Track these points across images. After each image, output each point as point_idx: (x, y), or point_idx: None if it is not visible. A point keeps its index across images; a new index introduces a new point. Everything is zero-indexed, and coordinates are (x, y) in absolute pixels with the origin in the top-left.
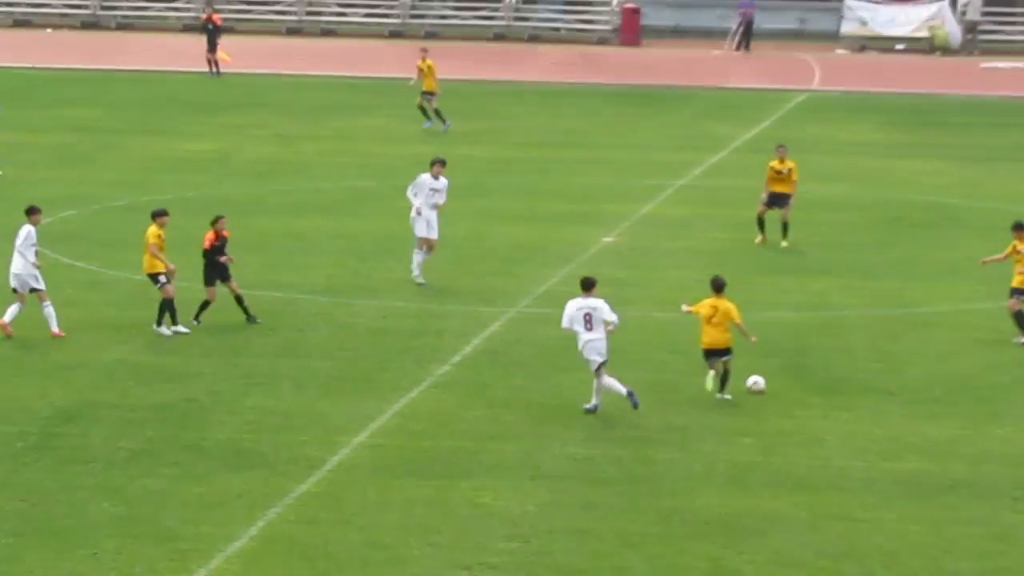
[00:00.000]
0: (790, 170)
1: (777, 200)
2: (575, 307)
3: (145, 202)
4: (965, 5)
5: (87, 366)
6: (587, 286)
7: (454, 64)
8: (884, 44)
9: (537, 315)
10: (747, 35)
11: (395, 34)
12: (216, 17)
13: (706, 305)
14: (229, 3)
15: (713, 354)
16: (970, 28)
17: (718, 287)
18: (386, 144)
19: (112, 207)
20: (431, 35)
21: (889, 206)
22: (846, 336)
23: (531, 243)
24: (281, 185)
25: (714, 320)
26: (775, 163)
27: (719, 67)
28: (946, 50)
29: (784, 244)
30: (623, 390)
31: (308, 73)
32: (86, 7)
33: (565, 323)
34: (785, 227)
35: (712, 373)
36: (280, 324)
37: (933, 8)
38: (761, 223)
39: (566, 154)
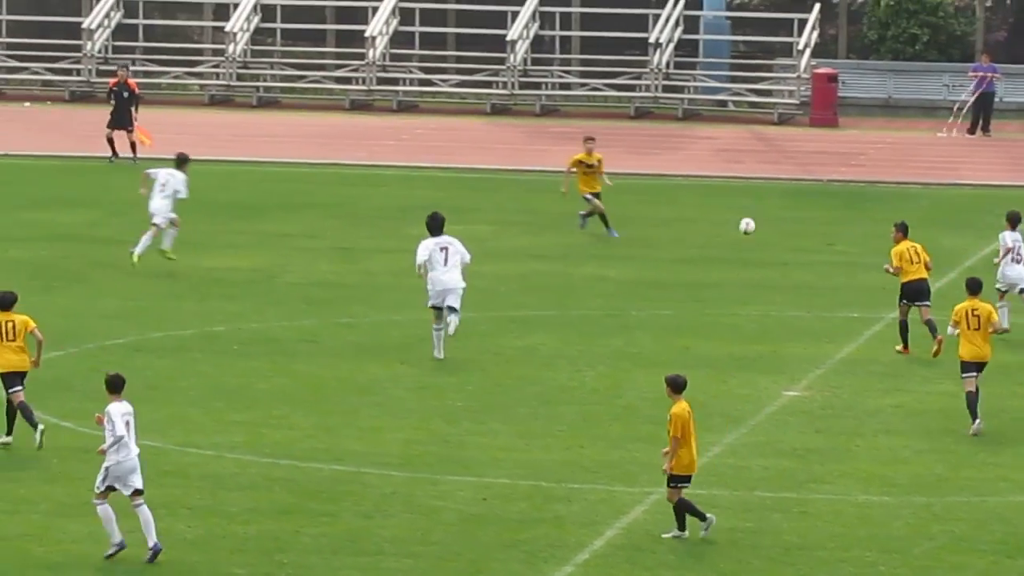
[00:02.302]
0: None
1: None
2: None
3: (157, 339)
4: None
5: (74, 568)
6: None
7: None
8: None
9: (697, 498)
10: (986, 111)
11: (499, 110)
12: (132, 82)
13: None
14: (271, 68)
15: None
16: None
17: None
18: (486, 260)
19: (111, 346)
20: (549, 111)
21: None
22: None
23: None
24: (342, 316)
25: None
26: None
27: (946, 155)
28: None
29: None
30: None
31: (377, 163)
32: (76, 73)
33: None
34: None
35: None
36: (341, 508)
37: None
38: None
39: (733, 275)
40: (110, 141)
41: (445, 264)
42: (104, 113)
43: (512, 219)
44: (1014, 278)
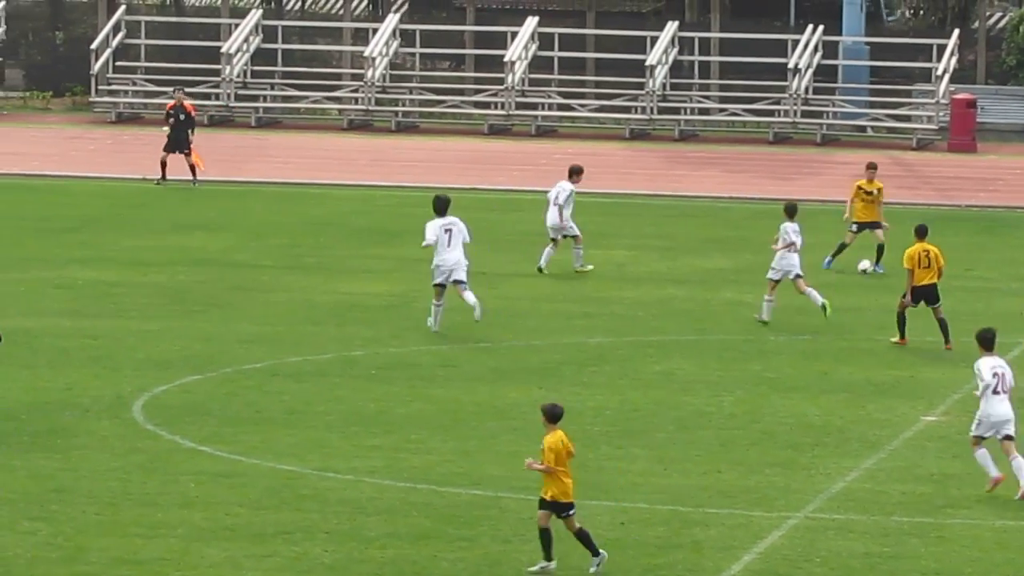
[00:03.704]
0: None
1: None
2: None
3: (294, 364)
4: None
5: None
6: None
7: (717, 177)
8: None
9: (832, 523)
10: None
11: (638, 135)
12: (189, 104)
13: None
14: (410, 93)
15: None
16: None
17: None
18: (625, 286)
19: (248, 370)
20: (687, 136)
21: None
22: None
23: (823, 423)
24: (480, 341)
25: None
26: None
27: None
28: None
29: None
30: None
31: (516, 187)
32: (215, 97)
33: None
34: None
35: None
36: (479, 533)
37: None
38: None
39: (871, 299)
40: (163, 164)
41: (448, 245)
42: (248, 139)
43: (650, 244)
44: (787, 266)
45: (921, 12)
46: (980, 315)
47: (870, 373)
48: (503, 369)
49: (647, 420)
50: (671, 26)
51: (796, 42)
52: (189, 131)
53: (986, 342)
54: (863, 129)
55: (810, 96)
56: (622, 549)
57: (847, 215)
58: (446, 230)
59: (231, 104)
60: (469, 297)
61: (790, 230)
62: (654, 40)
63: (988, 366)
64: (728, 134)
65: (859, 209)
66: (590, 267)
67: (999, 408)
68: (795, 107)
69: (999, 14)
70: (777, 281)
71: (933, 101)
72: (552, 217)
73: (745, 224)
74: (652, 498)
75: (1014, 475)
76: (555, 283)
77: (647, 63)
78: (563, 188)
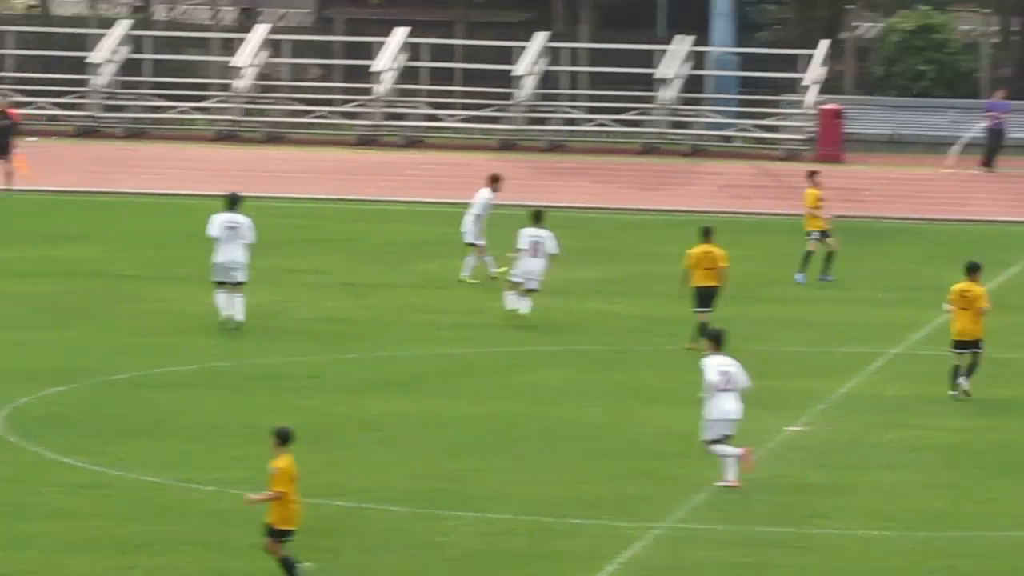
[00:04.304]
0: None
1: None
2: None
3: (158, 375)
4: None
5: None
6: None
7: (585, 187)
8: None
9: (696, 533)
10: (995, 148)
11: (507, 145)
12: (13, 111)
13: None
14: (277, 103)
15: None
16: None
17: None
18: (492, 297)
19: (114, 381)
20: (556, 146)
21: None
22: None
23: (688, 433)
24: (347, 352)
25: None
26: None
27: (951, 191)
28: None
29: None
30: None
31: (384, 198)
32: (83, 108)
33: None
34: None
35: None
36: (342, 544)
37: None
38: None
39: (737, 311)
40: None
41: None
42: (116, 149)
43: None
44: (529, 271)
45: (791, 23)
46: (845, 325)
47: None
48: (369, 380)
49: (512, 431)
50: (540, 37)
51: (665, 53)
52: (11, 137)
53: (714, 339)
54: (731, 140)
55: (679, 107)
56: (485, 560)
57: (805, 224)
58: (229, 227)
59: (98, 115)
60: (238, 302)
61: (529, 235)
62: (522, 51)
63: (714, 365)
64: (597, 144)
65: (812, 218)
66: (500, 270)
67: (727, 405)
68: (663, 117)
69: (868, 25)
70: (518, 283)
71: (801, 112)
72: (466, 224)
73: (613, 234)
74: (516, 508)
75: (725, 465)
76: (422, 293)
77: (515, 73)
78: (479, 196)
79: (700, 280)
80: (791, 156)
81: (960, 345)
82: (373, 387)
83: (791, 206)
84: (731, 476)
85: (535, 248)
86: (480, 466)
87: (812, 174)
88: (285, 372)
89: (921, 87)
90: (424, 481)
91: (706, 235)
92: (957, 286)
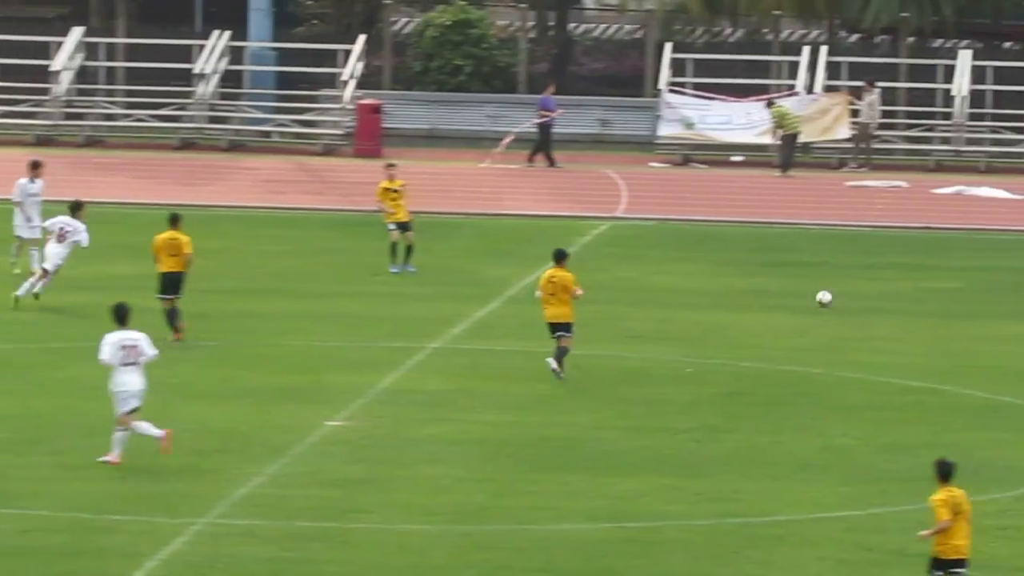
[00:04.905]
0: None
1: None
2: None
3: None
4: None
5: None
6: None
7: (125, 182)
8: (716, 154)
9: (238, 528)
10: (545, 143)
11: (44, 141)
12: None
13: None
14: None
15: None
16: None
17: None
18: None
19: None
20: (94, 142)
21: (722, 377)
22: (661, 557)
23: (227, 428)
24: None
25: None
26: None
27: (489, 186)
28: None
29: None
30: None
31: None
32: None
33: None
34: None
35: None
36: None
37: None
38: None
39: (276, 305)
40: None
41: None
42: None
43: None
44: (51, 254)
45: (328, 17)
46: (385, 319)
47: (273, 378)
48: None
49: (50, 427)
50: (76, 31)
51: (202, 47)
52: None
53: (117, 315)
54: (269, 135)
55: (217, 102)
56: (25, 557)
57: (384, 217)
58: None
59: None
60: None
61: (62, 223)
62: (59, 45)
63: (115, 340)
64: (135, 140)
65: (401, 210)
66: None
67: (130, 378)
68: (201, 113)
69: (405, 20)
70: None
71: (339, 107)
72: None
73: (150, 230)
74: (55, 505)
75: (116, 442)
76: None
77: (51, 68)
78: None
79: (166, 266)
80: (329, 151)
81: (554, 328)
82: None
83: (328, 201)
84: (116, 453)
85: (62, 234)
86: (18, 463)
87: (389, 166)
88: None
89: (459, 82)
90: None
91: (173, 222)
92: (546, 273)
